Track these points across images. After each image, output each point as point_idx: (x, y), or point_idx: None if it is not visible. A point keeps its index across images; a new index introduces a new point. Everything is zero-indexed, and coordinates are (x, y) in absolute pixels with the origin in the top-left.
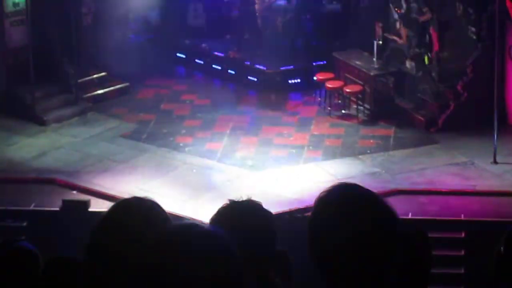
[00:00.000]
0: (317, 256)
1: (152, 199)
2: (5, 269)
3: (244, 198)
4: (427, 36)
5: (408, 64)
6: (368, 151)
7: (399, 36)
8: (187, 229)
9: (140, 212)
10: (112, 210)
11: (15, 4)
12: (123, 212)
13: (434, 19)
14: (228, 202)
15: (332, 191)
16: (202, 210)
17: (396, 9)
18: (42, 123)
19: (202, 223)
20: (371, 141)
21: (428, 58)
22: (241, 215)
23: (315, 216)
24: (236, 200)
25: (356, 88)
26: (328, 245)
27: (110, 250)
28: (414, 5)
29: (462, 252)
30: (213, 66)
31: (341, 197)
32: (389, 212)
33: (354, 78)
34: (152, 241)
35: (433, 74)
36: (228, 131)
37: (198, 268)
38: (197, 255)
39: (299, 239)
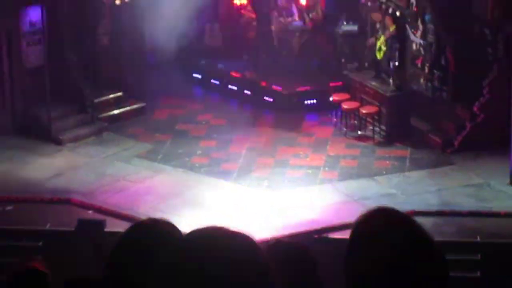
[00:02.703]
0: (356, 277)
1: (168, 220)
2: None
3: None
4: (443, 57)
5: (424, 85)
6: (384, 172)
7: (416, 57)
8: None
9: (156, 234)
10: (128, 232)
11: (31, 24)
12: (139, 233)
13: (450, 40)
14: (274, 241)
15: (372, 213)
16: None
17: (413, 30)
18: (58, 142)
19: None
20: (387, 162)
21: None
22: (287, 259)
23: (355, 238)
24: (282, 241)
25: (372, 109)
26: (368, 266)
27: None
28: (430, 26)
29: (478, 274)
30: (229, 86)
31: (381, 219)
32: (427, 236)
33: (370, 99)
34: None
35: (450, 95)
36: (244, 152)
37: (222, 271)
38: (220, 256)
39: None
